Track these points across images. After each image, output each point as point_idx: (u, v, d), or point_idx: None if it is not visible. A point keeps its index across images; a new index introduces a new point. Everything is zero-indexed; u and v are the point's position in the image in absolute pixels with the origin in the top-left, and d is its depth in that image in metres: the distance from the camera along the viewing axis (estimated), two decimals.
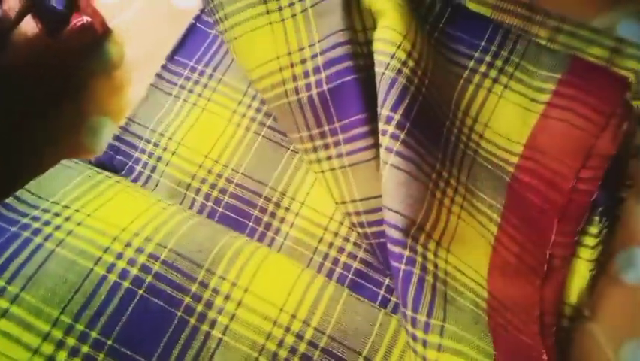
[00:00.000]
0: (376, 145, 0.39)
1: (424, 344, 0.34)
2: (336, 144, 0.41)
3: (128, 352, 0.35)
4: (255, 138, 0.46)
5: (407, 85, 0.38)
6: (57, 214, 0.38)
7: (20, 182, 0.41)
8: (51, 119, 0.48)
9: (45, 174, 0.41)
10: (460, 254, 0.39)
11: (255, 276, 0.38)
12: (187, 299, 0.37)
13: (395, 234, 0.36)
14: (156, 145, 0.46)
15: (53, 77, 0.49)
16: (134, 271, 0.36)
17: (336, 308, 0.38)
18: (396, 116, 0.37)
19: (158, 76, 0.48)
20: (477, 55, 0.45)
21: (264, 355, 0.36)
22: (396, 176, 0.37)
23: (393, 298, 0.41)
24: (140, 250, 0.37)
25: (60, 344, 0.34)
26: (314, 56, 0.41)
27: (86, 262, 0.36)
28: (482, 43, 0.45)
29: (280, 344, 0.36)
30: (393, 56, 0.38)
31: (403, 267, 0.36)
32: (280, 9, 0.42)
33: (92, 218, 0.38)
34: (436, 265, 0.37)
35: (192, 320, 0.36)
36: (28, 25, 0.44)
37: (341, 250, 0.43)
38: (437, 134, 0.41)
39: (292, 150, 0.45)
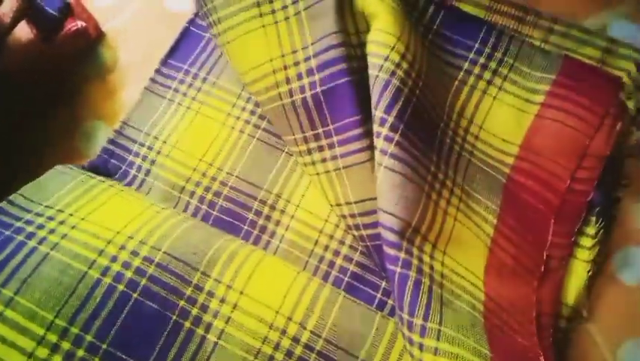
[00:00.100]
0: (371, 147, 0.39)
1: (421, 347, 0.34)
2: (331, 146, 0.41)
3: (123, 355, 0.35)
4: (249, 141, 0.46)
5: (401, 87, 0.38)
6: (51, 218, 0.38)
7: (15, 186, 0.41)
8: (46, 124, 0.48)
9: (39, 179, 0.41)
10: (457, 256, 0.39)
11: (251, 279, 0.38)
12: (182, 302, 0.36)
13: (390, 236, 0.36)
14: (150, 148, 0.46)
15: (48, 81, 0.49)
16: (129, 274, 0.36)
17: (332, 311, 0.38)
18: (390, 119, 0.37)
19: (152, 80, 0.48)
20: (471, 56, 0.45)
21: (260, 358, 0.36)
22: (391, 178, 0.37)
23: (390, 301, 0.41)
24: (134, 253, 0.37)
25: (55, 348, 0.34)
26: (307, 59, 0.41)
27: (81, 265, 0.36)
28: (476, 45, 0.46)
29: (276, 347, 0.36)
30: (386, 58, 0.38)
31: (398, 270, 0.36)
32: (273, 12, 0.42)
33: (86, 222, 0.38)
34: (432, 268, 0.37)
35: (187, 324, 0.36)
36: (23, 31, 0.45)
37: (337, 253, 0.43)
38: (432, 136, 0.41)
39: (287, 153, 0.46)
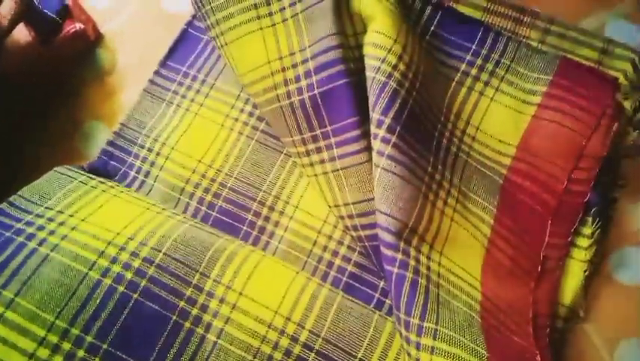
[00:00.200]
0: (368, 148, 0.40)
1: (418, 346, 0.34)
2: (329, 147, 0.41)
3: (124, 356, 0.35)
4: (248, 142, 0.46)
5: (398, 89, 0.38)
6: (51, 219, 0.38)
7: (14, 187, 0.41)
8: (45, 125, 0.48)
9: (38, 181, 0.42)
10: (454, 256, 0.39)
11: (250, 279, 0.38)
12: (182, 303, 0.37)
13: (388, 237, 0.37)
14: (150, 150, 0.46)
15: (47, 83, 0.49)
16: (129, 275, 0.36)
17: (330, 311, 0.38)
18: (387, 120, 0.37)
19: (151, 81, 0.48)
20: (468, 57, 0.45)
21: (259, 358, 0.36)
22: (388, 179, 0.37)
23: (388, 301, 0.42)
24: (134, 254, 0.37)
25: (56, 349, 0.34)
26: (305, 61, 0.41)
27: (81, 267, 0.36)
28: (473, 46, 0.46)
29: (275, 346, 0.37)
30: (384, 60, 0.39)
31: (395, 270, 0.36)
32: (271, 14, 0.42)
33: (86, 223, 0.38)
34: (429, 268, 0.37)
35: (187, 324, 0.36)
36: (21, 33, 0.45)
37: (335, 253, 0.43)
38: (429, 137, 0.41)
39: (285, 154, 0.46)
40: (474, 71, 0.45)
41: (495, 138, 0.43)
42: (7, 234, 0.37)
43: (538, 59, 0.44)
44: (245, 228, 0.44)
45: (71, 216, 0.39)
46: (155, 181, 0.45)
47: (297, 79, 0.41)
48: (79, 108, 0.49)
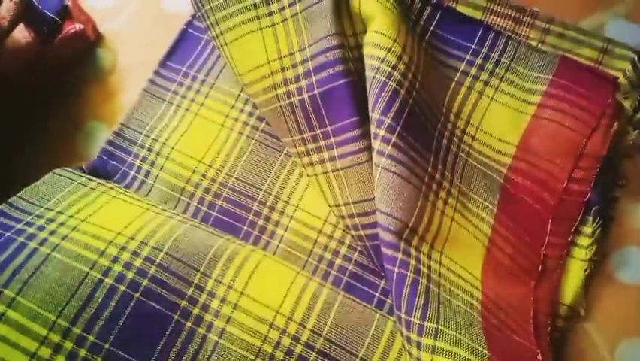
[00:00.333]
0: (369, 148, 0.40)
1: (419, 346, 0.34)
2: (329, 147, 0.41)
3: (125, 355, 0.35)
4: (248, 142, 0.46)
5: (397, 89, 0.38)
6: (51, 220, 0.39)
7: (15, 188, 0.41)
8: (45, 126, 0.48)
9: (38, 182, 0.42)
10: (454, 256, 0.39)
11: (251, 279, 0.38)
12: (183, 303, 0.37)
13: (388, 237, 0.37)
14: (150, 150, 0.46)
15: (47, 84, 0.49)
16: (130, 274, 0.36)
17: (331, 310, 0.39)
18: (387, 120, 0.38)
19: (151, 81, 0.48)
20: (468, 57, 0.45)
21: (261, 357, 0.36)
22: (388, 179, 0.37)
23: (389, 300, 0.42)
24: (135, 254, 0.37)
25: (58, 348, 0.34)
26: (305, 60, 0.41)
27: (82, 266, 0.36)
28: (473, 46, 0.46)
29: (276, 346, 0.37)
30: (383, 60, 0.39)
31: (396, 270, 0.36)
32: (271, 14, 0.43)
33: (87, 223, 0.39)
34: (429, 268, 0.37)
35: (189, 324, 0.36)
36: (21, 34, 0.45)
37: (336, 253, 0.43)
38: (429, 137, 0.41)
39: (285, 154, 0.46)
40: (474, 71, 0.45)
41: (495, 137, 0.43)
42: (8, 234, 0.37)
43: (538, 59, 0.45)
44: (245, 228, 0.44)
45: (71, 216, 0.39)
46: (155, 181, 0.45)
47: (297, 79, 0.41)
48: (79, 109, 0.49)
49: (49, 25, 0.46)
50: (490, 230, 0.41)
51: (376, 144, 0.38)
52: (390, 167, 0.37)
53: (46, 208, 0.40)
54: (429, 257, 0.38)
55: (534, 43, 0.46)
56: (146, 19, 0.52)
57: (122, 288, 0.36)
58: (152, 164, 0.46)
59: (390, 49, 0.39)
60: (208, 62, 0.49)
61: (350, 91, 0.40)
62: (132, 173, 0.46)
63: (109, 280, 0.36)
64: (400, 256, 0.36)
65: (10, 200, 0.40)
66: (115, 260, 0.37)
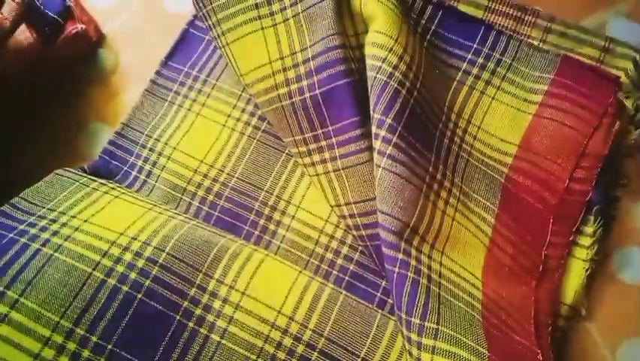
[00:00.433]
0: (370, 148, 0.40)
1: (419, 346, 0.34)
2: (330, 147, 0.41)
3: (128, 356, 0.35)
4: (249, 142, 0.46)
5: (398, 88, 0.38)
6: (53, 221, 0.39)
7: (17, 188, 0.41)
8: (47, 126, 0.49)
9: (39, 183, 0.42)
10: (455, 256, 0.39)
11: (253, 279, 0.39)
12: (185, 303, 0.37)
13: (389, 237, 0.37)
14: (152, 150, 0.46)
15: (49, 84, 0.49)
16: (133, 275, 0.37)
17: (333, 310, 0.39)
18: (388, 120, 0.38)
19: (153, 82, 0.48)
20: (469, 57, 0.45)
21: (263, 357, 0.36)
22: (389, 179, 0.37)
23: (390, 300, 0.42)
24: (138, 254, 0.37)
25: (61, 349, 0.35)
26: (306, 61, 0.41)
27: (85, 267, 0.36)
28: (474, 45, 0.46)
29: (278, 346, 0.37)
30: (384, 60, 0.39)
31: (397, 270, 0.36)
32: (272, 14, 0.43)
33: (89, 224, 0.39)
34: (430, 268, 0.37)
35: (191, 324, 0.37)
36: (23, 34, 0.45)
37: (337, 253, 0.43)
38: (430, 137, 0.41)
39: (287, 154, 0.46)
40: (475, 70, 0.45)
41: (496, 136, 0.43)
42: (10, 235, 0.38)
43: (540, 58, 0.44)
44: (247, 227, 0.44)
45: (74, 217, 0.39)
46: (156, 181, 0.45)
47: (299, 79, 0.41)
48: (81, 109, 0.49)
49: (51, 26, 0.47)
50: (492, 230, 0.41)
51: (377, 145, 0.38)
52: (391, 167, 0.37)
53: (48, 209, 0.40)
54: (429, 257, 0.38)
55: (536, 43, 0.46)
56: (148, 20, 0.52)
57: (125, 288, 0.36)
58: (154, 164, 0.46)
59: (391, 49, 0.39)
60: (210, 62, 0.49)
61: (351, 91, 0.40)
62: (134, 173, 0.46)
63: (112, 281, 0.36)
64: (400, 256, 0.36)
65: (13, 201, 0.40)
66: (117, 261, 0.37)
